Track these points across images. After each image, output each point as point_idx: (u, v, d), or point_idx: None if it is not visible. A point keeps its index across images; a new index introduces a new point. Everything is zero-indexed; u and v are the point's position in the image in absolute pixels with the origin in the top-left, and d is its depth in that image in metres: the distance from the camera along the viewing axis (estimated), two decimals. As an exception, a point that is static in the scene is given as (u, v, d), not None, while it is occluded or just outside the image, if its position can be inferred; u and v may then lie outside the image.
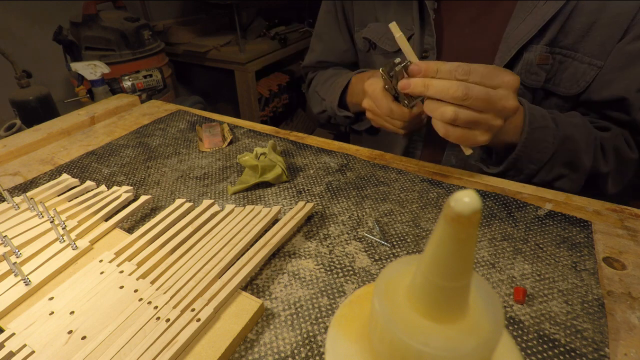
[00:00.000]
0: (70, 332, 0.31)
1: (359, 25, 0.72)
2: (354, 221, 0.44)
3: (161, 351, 0.29)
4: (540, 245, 0.40)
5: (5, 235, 0.39)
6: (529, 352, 0.30)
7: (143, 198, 0.47)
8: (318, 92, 0.77)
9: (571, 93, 0.56)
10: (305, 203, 0.45)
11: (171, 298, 0.33)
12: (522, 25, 0.54)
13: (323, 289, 0.36)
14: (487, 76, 0.41)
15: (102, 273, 0.36)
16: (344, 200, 0.47)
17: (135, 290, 0.34)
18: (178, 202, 0.46)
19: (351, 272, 0.37)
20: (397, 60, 0.45)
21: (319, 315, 0.33)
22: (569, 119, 0.53)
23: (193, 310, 0.32)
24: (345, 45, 0.77)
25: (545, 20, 0.52)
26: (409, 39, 0.63)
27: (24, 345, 0.30)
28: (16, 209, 0.46)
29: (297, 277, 0.37)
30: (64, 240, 0.41)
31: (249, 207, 0.44)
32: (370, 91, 0.49)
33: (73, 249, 0.40)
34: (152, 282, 0.35)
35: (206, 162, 0.57)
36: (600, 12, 0.51)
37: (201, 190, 0.51)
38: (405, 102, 0.47)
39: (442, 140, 0.66)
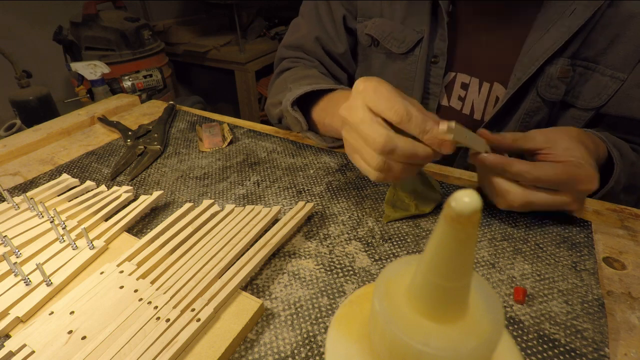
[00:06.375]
0: (70, 332, 0.31)
1: (362, 16, 0.66)
2: (354, 221, 0.44)
3: (161, 351, 0.29)
4: (540, 245, 0.40)
5: (5, 235, 0.39)
6: (529, 352, 0.30)
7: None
8: (287, 81, 0.64)
9: (591, 106, 0.53)
10: (305, 203, 0.45)
11: (171, 298, 0.33)
12: (545, 37, 0.51)
13: (323, 289, 0.36)
14: (560, 184, 0.38)
15: (102, 273, 0.36)
16: (344, 200, 0.47)
17: (135, 290, 0.34)
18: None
19: (351, 272, 0.37)
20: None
21: (319, 315, 0.33)
22: (622, 141, 0.50)
23: (193, 310, 0.32)
24: (335, 32, 0.68)
25: (572, 33, 0.49)
26: (417, 43, 0.59)
27: (24, 345, 0.30)
28: (16, 209, 0.45)
29: (297, 277, 0.37)
30: (64, 240, 0.41)
31: (248, 207, 0.44)
32: (351, 119, 0.38)
33: (73, 249, 0.40)
34: (152, 282, 0.35)
35: (206, 162, 0.57)
36: (626, 24, 0.48)
37: (201, 190, 0.51)
38: None
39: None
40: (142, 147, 0.60)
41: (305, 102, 0.57)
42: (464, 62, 0.59)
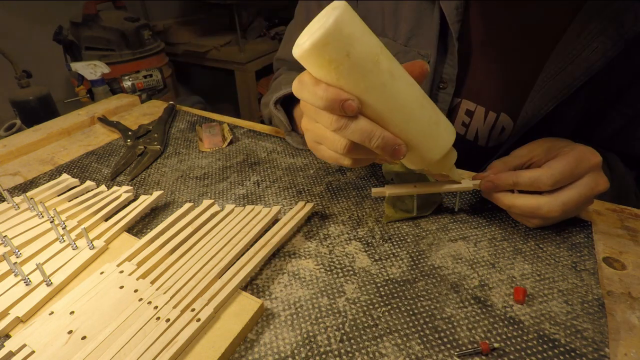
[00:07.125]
0: (70, 332, 0.31)
1: None
2: (354, 221, 0.44)
3: (161, 351, 0.29)
4: (540, 245, 0.40)
5: (5, 235, 0.39)
6: (529, 352, 0.30)
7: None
8: (281, 83, 0.63)
9: (594, 140, 0.50)
10: (305, 203, 0.45)
11: (171, 298, 0.33)
12: (562, 74, 0.46)
13: (323, 289, 0.36)
14: (574, 172, 0.37)
15: (102, 273, 0.36)
16: (344, 200, 0.47)
17: (135, 290, 0.34)
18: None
19: (351, 272, 0.37)
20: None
21: (319, 315, 0.33)
22: (611, 153, 0.49)
23: (193, 310, 0.32)
24: None
25: (592, 73, 0.45)
26: None
27: (24, 345, 0.30)
28: (16, 209, 0.46)
29: (297, 277, 0.37)
30: (64, 240, 0.41)
31: (249, 207, 0.44)
32: (306, 108, 0.35)
33: (73, 249, 0.40)
34: (152, 282, 0.35)
35: (206, 162, 0.57)
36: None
37: (201, 190, 0.51)
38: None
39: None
40: (142, 147, 0.60)
41: (292, 104, 0.56)
42: (470, 90, 0.56)
